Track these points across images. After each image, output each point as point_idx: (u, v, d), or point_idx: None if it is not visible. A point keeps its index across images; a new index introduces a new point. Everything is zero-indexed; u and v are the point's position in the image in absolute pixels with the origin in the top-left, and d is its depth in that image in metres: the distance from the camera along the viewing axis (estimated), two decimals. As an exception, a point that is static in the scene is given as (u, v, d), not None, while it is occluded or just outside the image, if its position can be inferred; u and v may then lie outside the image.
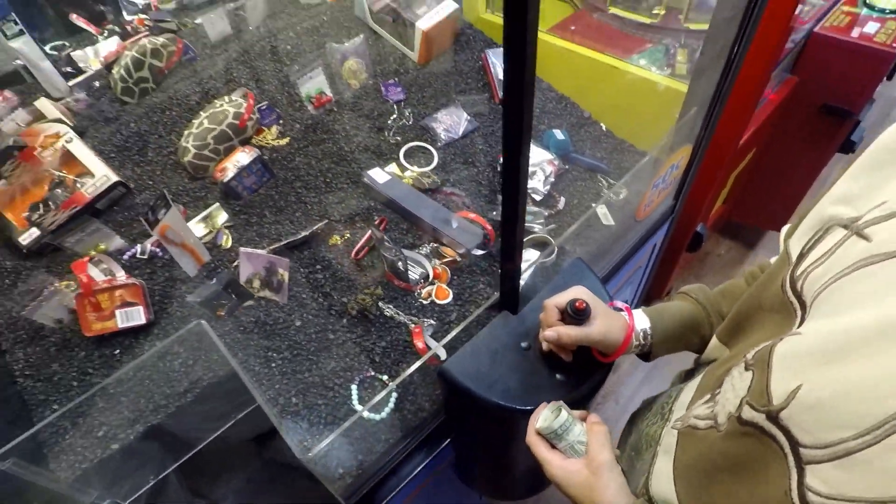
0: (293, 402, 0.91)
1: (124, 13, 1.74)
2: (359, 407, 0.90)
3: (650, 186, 1.16)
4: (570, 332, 0.69)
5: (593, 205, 1.21)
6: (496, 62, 1.42)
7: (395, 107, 1.34)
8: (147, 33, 1.62)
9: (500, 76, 1.39)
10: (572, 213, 1.26)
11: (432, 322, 1.01)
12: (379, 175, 1.17)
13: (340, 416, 0.90)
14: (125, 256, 1.07)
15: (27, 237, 1.08)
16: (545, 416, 0.66)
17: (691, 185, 1.38)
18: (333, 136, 1.27)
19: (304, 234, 1.09)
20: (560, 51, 1.72)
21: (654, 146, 1.28)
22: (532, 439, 0.67)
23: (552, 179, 1.28)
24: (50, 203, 1.11)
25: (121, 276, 1.03)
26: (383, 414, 0.89)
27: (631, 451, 0.67)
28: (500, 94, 1.39)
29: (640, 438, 0.66)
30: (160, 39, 1.41)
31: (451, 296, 1.05)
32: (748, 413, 0.40)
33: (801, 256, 0.44)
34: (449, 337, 0.93)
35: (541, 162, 1.30)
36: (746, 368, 0.44)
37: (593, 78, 1.72)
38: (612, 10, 1.72)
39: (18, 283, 1.06)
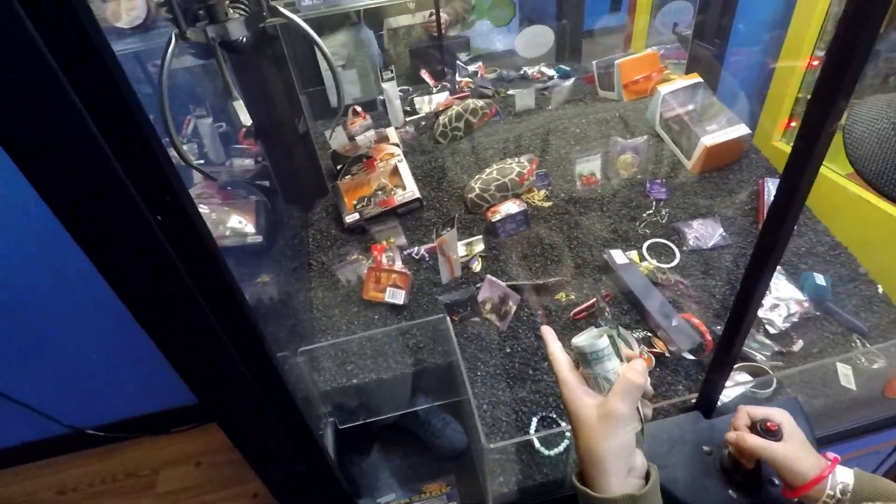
0: (483, 409, 1.07)
1: (458, 75, 2.22)
2: (534, 435, 1.02)
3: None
4: (754, 440, 0.71)
5: (836, 359, 1.13)
6: (773, 190, 1.43)
7: (653, 203, 1.45)
8: (469, 94, 2.05)
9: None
10: (807, 360, 1.18)
11: (622, 400, 1.08)
12: (619, 256, 1.29)
13: (517, 437, 1.03)
14: (404, 252, 1.40)
15: (350, 218, 1.49)
16: (588, 334, 0.62)
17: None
18: (588, 212, 1.45)
19: (538, 281, 1.27)
20: (853, 198, 1.62)
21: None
22: (555, 353, 0.65)
23: (795, 319, 1.23)
24: (372, 199, 1.52)
25: (398, 265, 1.35)
26: (552, 452, 0.99)
27: None
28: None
29: None
30: (480, 102, 1.78)
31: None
32: None
33: None
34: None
35: (788, 298, 1.26)
36: None
37: (884, 234, 1.57)
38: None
39: (334, 247, 1.47)
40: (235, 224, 1.48)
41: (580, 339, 0.62)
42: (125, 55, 1.30)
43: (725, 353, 0.76)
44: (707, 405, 0.86)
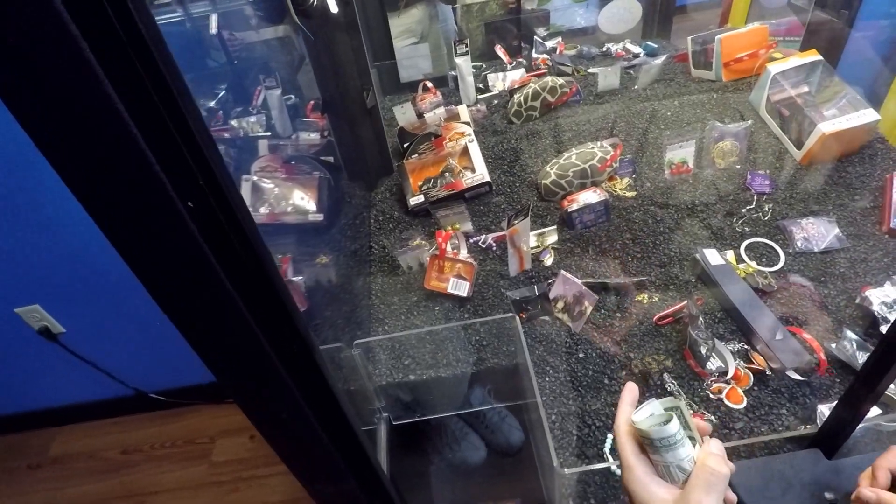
0: (552, 419, 0.97)
1: (534, 52, 2.08)
2: (609, 457, 0.91)
3: None
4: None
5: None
6: (902, 188, 1.22)
7: (754, 198, 1.28)
8: (546, 71, 1.91)
9: (901, 204, 1.20)
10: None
11: (712, 418, 0.95)
12: (713, 256, 1.14)
13: (589, 455, 0.93)
14: (471, 240, 1.30)
15: (415, 200, 1.41)
16: (651, 413, 0.52)
17: None
18: (678, 205, 1.29)
19: (618, 280, 1.14)
20: None
21: None
22: (621, 430, 0.55)
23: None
24: (438, 181, 1.43)
25: (463, 254, 1.26)
26: (631, 479, 0.88)
27: None
28: (893, 222, 1.19)
29: None
30: (560, 80, 1.64)
31: (744, 403, 0.96)
32: None
33: None
34: (737, 443, 0.87)
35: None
36: None
37: None
38: None
39: (397, 230, 1.39)
40: (297, 200, 1.44)
41: (642, 418, 0.52)
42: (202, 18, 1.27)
43: (868, 386, 0.62)
44: (832, 443, 0.72)
